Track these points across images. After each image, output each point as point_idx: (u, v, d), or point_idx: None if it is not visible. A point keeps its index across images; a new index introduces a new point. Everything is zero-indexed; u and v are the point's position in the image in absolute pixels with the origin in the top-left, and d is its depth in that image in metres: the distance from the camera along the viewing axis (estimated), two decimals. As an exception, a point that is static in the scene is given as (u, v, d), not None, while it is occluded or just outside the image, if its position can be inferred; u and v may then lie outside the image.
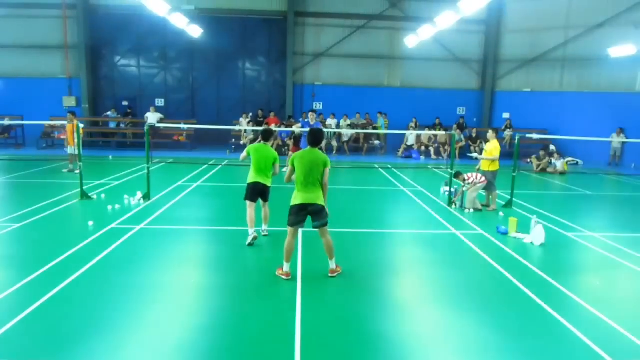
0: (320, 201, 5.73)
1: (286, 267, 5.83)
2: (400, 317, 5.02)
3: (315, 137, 5.90)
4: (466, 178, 9.77)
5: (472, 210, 9.76)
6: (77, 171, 12.73)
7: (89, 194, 10.04)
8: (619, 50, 17.00)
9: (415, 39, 19.50)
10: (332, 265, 5.95)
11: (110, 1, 20.90)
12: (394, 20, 21.88)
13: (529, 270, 6.43)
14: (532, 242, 7.59)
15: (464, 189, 9.87)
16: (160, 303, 5.10)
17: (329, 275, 5.89)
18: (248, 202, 7.33)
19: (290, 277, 5.77)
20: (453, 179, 10.18)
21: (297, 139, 14.31)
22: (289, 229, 5.82)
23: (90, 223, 7.87)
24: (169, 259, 6.52)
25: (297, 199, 5.76)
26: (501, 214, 9.54)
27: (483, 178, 9.70)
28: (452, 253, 7.21)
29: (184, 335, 4.44)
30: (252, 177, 7.31)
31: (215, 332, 4.51)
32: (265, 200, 7.52)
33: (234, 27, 21.97)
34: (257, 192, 7.33)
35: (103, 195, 10.20)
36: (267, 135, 7.43)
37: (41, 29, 20.97)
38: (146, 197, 9.81)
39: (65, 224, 8.20)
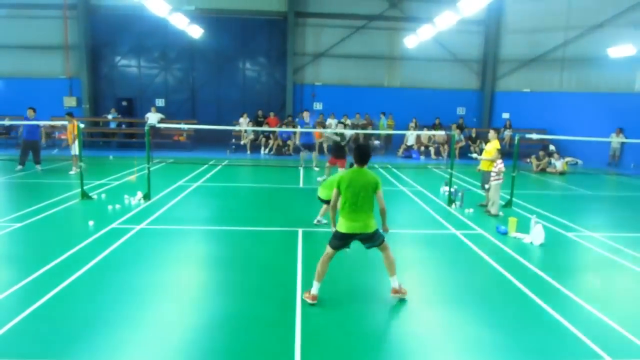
0: (370, 228, 5.07)
1: (315, 288, 5.13)
2: (400, 316, 5.03)
3: (363, 154, 5.12)
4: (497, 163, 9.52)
5: (471, 210, 9.77)
6: (72, 172, 12.81)
7: (90, 194, 10.05)
8: (619, 51, 17.01)
9: (415, 39, 19.51)
10: (394, 283, 5.27)
11: (110, 1, 20.90)
12: (394, 21, 21.89)
13: (528, 270, 6.44)
14: (531, 242, 7.61)
15: (486, 186, 9.77)
16: (160, 303, 5.12)
17: (391, 295, 5.28)
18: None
19: (316, 302, 5.08)
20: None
21: (340, 149, 11.87)
22: (329, 250, 5.18)
23: (91, 223, 7.88)
24: (169, 259, 6.52)
25: (342, 226, 5.06)
26: (501, 213, 9.54)
27: (502, 175, 9.57)
28: (452, 253, 7.22)
29: (183, 335, 4.45)
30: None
31: (215, 332, 4.52)
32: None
33: (234, 27, 21.99)
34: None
35: (103, 195, 10.21)
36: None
37: (41, 29, 20.97)
38: (146, 197, 9.82)
39: (66, 224, 8.21)
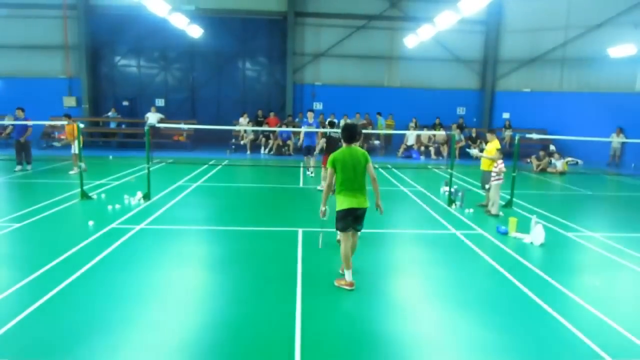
0: (367, 203, 5.46)
1: (348, 275, 5.47)
2: (399, 316, 5.03)
3: (351, 132, 5.49)
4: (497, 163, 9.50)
5: (471, 210, 9.77)
6: (72, 172, 12.80)
7: (89, 194, 10.04)
8: (619, 51, 17.00)
9: (415, 39, 19.50)
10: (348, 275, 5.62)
11: (110, 1, 20.89)
12: (394, 21, 21.89)
13: (529, 270, 6.43)
14: (532, 242, 7.60)
15: (486, 186, 9.76)
16: (160, 303, 5.11)
17: (336, 283, 5.64)
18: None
19: (354, 287, 5.45)
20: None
21: (334, 143, 10.70)
22: (342, 235, 5.54)
23: (91, 223, 7.88)
24: (169, 259, 6.52)
25: (344, 203, 5.36)
26: (501, 213, 9.54)
27: (502, 175, 9.55)
28: (452, 253, 7.21)
29: (183, 335, 4.44)
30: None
31: (215, 332, 4.52)
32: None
33: (234, 27, 22.00)
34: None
35: (103, 195, 10.21)
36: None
37: (41, 29, 20.96)
38: (146, 197, 9.82)
39: (66, 224, 8.20)
